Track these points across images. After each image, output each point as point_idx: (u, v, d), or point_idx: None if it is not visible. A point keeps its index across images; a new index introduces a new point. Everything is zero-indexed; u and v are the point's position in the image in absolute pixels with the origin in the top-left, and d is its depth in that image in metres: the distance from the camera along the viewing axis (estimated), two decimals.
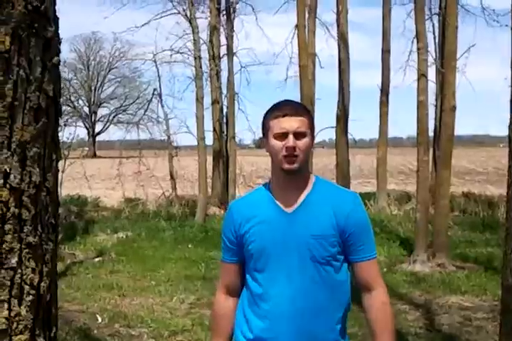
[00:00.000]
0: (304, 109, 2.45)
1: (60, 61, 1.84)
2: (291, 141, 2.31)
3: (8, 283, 1.68)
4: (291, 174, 2.37)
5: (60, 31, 1.88)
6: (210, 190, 16.92)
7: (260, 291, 2.42)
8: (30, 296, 1.73)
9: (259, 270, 2.42)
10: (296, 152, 2.32)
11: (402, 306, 7.32)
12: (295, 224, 2.38)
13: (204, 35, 17.33)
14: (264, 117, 2.44)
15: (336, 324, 2.42)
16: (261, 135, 2.51)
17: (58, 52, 1.85)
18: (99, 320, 6.70)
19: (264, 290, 2.41)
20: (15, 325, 1.71)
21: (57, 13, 1.87)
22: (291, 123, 2.33)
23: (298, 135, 2.33)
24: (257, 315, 2.43)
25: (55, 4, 1.85)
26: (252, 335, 2.44)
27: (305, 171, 2.43)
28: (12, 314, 1.70)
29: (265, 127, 2.42)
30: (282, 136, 2.33)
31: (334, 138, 15.79)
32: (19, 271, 1.70)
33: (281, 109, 2.37)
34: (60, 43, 1.87)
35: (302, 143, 2.34)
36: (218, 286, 2.64)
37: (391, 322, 2.45)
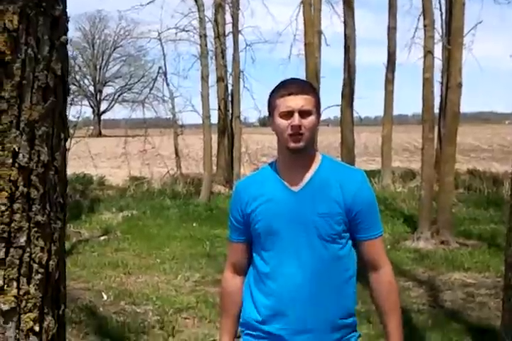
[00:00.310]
0: (309, 86, 2.43)
1: (67, 40, 1.84)
2: (296, 119, 2.31)
3: (17, 261, 1.70)
4: (297, 153, 2.37)
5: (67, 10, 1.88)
6: (215, 168, 16.93)
7: (267, 270, 2.43)
8: (39, 275, 1.75)
9: (267, 249, 2.43)
10: (301, 130, 2.32)
11: (406, 283, 7.36)
12: (301, 202, 2.38)
13: (209, 13, 17.22)
14: (270, 96, 2.43)
15: (344, 300, 2.44)
16: (267, 113, 2.50)
17: (66, 30, 1.85)
18: (105, 297, 6.76)
19: (271, 268, 2.41)
20: (24, 303, 1.73)
21: None
22: (297, 101, 2.32)
23: (303, 113, 2.33)
24: (264, 293, 2.44)
25: None
26: (259, 317, 2.45)
27: (311, 149, 2.43)
28: (21, 292, 1.72)
29: (271, 106, 2.41)
30: (288, 114, 2.32)
31: (339, 115, 15.77)
32: (28, 249, 1.72)
33: (286, 87, 2.36)
34: (67, 22, 1.86)
35: (308, 121, 2.33)
36: (226, 265, 2.65)
37: (398, 301, 2.47)
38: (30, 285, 1.74)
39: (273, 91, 2.42)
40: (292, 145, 2.33)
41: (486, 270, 7.86)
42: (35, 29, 1.70)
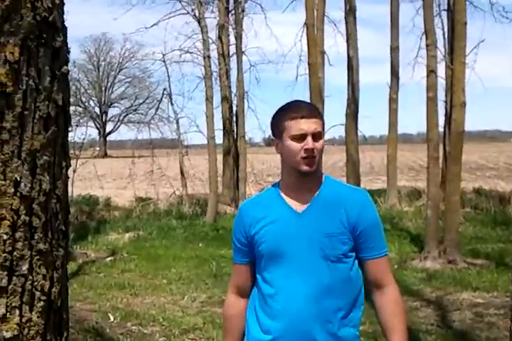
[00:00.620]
0: (317, 110, 2.47)
1: (68, 70, 1.86)
2: (310, 142, 2.33)
3: (20, 289, 1.71)
4: (307, 176, 2.39)
5: (69, 33, 1.91)
6: (220, 188, 16.95)
7: (272, 292, 2.42)
8: (42, 302, 1.76)
9: (271, 270, 2.43)
10: (314, 153, 2.35)
11: (414, 303, 7.32)
12: (306, 223, 2.39)
13: (213, 34, 17.35)
14: (277, 118, 2.44)
15: (350, 321, 2.43)
16: (271, 135, 2.51)
17: (67, 61, 1.88)
18: (112, 318, 6.74)
19: (275, 290, 2.41)
20: (26, 330, 1.73)
21: (65, 23, 1.90)
22: (310, 124, 2.34)
23: (315, 136, 2.35)
24: (269, 315, 2.44)
25: (63, 14, 1.88)
26: (264, 337, 2.45)
27: (319, 172, 2.46)
28: (23, 320, 1.72)
29: (279, 128, 2.41)
30: (301, 137, 2.34)
31: (344, 135, 15.80)
32: (30, 277, 1.73)
33: (297, 110, 2.38)
34: (68, 52, 1.89)
35: (319, 144, 2.36)
36: (229, 287, 2.66)
37: (404, 320, 2.46)
38: (33, 313, 1.75)
39: (281, 114, 2.42)
40: (305, 168, 2.35)
41: (494, 289, 7.81)
42: (36, 60, 1.72)
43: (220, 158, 16.62)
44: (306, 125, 2.33)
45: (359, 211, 2.41)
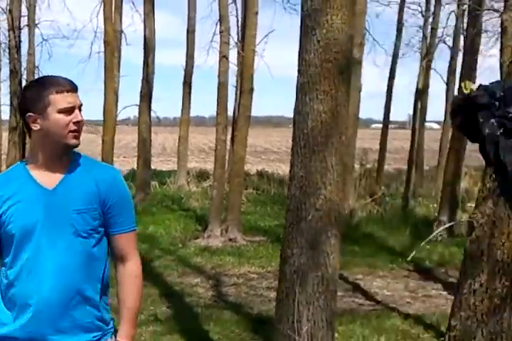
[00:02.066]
0: (76, 85, 2.44)
1: None
2: (79, 115, 2.35)
3: None
4: (71, 149, 2.39)
5: None
6: (4, 166, 16.24)
7: (18, 276, 2.35)
8: None
9: (19, 253, 2.35)
10: (81, 127, 2.37)
11: (194, 280, 7.69)
12: (56, 200, 2.35)
13: (3, 3, 16.48)
14: (36, 92, 2.34)
15: (99, 299, 2.42)
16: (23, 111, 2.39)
17: None
18: None
19: (22, 274, 2.34)
20: None
21: None
22: (76, 98, 2.35)
23: (79, 110, 2.37)
24: (13, 304, 2.37)
25: None
26: (4, 329, 2.37)
27: None
28: None
29: (42, 102, 2.32)
30: (69, 110, 2.32)
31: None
32: None
33: (62, 84, 2.35)
34: None
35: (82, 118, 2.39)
36: None
37: (139, 297, 2.51)
38: None
39: (41, 88, 2.34)
40: (74, 141, 2.35)
41: (268, 265, 8.38)
42: None
43: (5, 135, 15.90)
44: (73, 99, 2.34)
45: (109, 187, 2.41)
